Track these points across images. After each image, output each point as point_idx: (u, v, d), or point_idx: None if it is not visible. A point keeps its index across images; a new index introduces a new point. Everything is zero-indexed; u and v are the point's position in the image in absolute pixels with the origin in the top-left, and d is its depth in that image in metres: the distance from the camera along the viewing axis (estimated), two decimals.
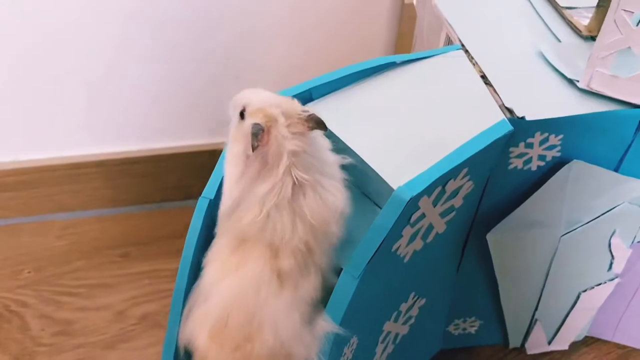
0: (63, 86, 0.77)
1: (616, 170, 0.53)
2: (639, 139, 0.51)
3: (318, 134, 0.43)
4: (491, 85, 0.50)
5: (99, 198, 0.88)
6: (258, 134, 0.39)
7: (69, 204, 0.87)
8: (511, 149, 0.49)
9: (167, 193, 0.88)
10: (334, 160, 0.44)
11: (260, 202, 0.41)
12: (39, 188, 0.84)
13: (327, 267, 0.45)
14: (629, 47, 0.46)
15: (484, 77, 0.51)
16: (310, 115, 0.41)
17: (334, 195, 0.43)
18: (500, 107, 0.49)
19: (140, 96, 0.80)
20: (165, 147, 0.86)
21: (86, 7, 0.71)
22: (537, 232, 0.55)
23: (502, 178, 0.51)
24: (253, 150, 0.39)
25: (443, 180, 0.45)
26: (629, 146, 0.51)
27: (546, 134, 0.49)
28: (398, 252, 0.47)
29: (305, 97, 0.51)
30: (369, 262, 0.43)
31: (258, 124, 0.40)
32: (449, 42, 0.59)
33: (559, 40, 0.56)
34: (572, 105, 0.49)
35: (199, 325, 0.45)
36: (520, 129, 0.48)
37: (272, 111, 0.40)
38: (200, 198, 0.45)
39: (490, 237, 0.55)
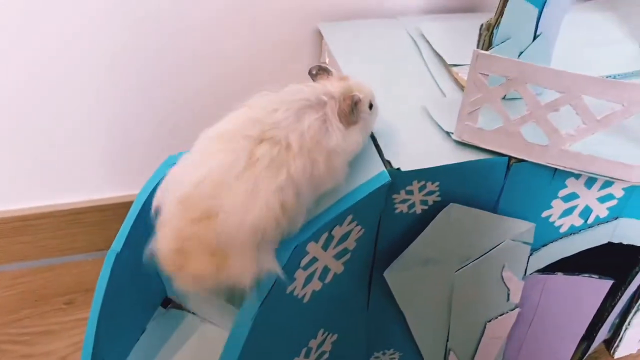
0: (11, 141, 0.82)
1: (494, 210, 0.59)
2: (509, 183, 0.57)
3: None
4: (376, 140, 0.57)
5: (48, 248, 0.92)
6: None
7: (19, 254, 0.91)
8: (394, 196, 0.55)
9: (112, 242, 0.92)
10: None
11: None
12: None
13: (307, 196, 0.47)
14: (488, 104, 0.53)
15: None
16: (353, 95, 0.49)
17: (336, 135, 0.48)
18: (383, 160, 0.55)
19: (86, 149, 0.85)
20: (110, 197, 0.91)
21: (27, 64, 0.76)
22: (431, 269, 0.61)
23: (392, 221, 0.57)
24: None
25: (328, 227, 0.50)
26: (502, 189, 0.57)
27: (423, 182, 0.55)
28: (294, 294, 0.52)
29: None
30: (261, 305, 0.48)
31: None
32: None
33: (445, 95, 0.63)
34: (447, 155, 0.55)
35: (173, 189, 0.45)
36: (399, 178, 0.54)
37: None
38: (109, 251, 0.50)
39: (387, 275, 0.60)
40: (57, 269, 0.92)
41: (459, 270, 0.62)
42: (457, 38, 0.71)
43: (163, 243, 0.45)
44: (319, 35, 0.79)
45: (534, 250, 0.63)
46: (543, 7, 0.57)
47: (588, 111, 0.49)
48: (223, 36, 0.79)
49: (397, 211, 0.57)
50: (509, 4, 0.56)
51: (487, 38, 0.58)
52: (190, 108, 0.84)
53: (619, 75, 0.67)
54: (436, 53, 0.69)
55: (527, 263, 0.64)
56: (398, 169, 0.53)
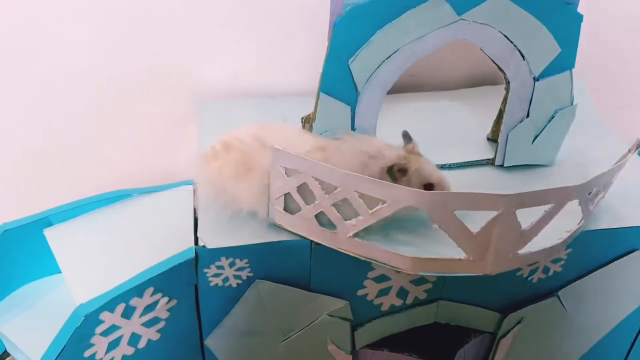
0: None
1: (308, 287, 0.63)
2: (315, 263, 0.61)
3: None
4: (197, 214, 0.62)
5: None
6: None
7: None
8: (205, 270, 0.60)
9: None
10: None
11: None
12: None
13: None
14: (289, 192, 0.58)
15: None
16: None
17: None
18: (195, 235, 0.60)
19: None
20: None
21: None
22: (255, 339, 0.65)
23: (210, 293, 0.61)
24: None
25: (123, 299, 0.55)
26: (310, 268, 0.62)
27: (231, 259, 0.59)
28: (97, 358, 0.56)
29: (45, 223, 0.62)
30: None
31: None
32: None
33: None
34: (257, 235, 0.60)
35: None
36: (206, 255, 0.58)
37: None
38: None
39: (209, 342, 0.64)
40: None
41: (284, 341, 0.65)
42: None
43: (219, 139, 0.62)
44: None
45: (358, 325, 0.67)
46: (356, 105, 0.62)
47: (362, 205, 0.54)
48: (109, 114, 0.83)
49: (212, 284, 0.61)
50: (320, 102, 0.61)
51: (308, 130, 0.64)
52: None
53: (463, 163, 0.71)
54: None
55: (353, 337, 0.67)
56: (204, 245, 0.58)
